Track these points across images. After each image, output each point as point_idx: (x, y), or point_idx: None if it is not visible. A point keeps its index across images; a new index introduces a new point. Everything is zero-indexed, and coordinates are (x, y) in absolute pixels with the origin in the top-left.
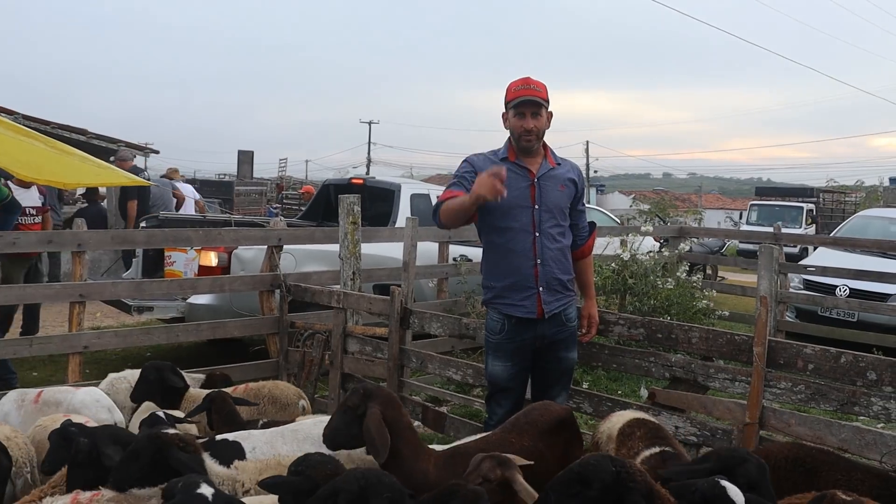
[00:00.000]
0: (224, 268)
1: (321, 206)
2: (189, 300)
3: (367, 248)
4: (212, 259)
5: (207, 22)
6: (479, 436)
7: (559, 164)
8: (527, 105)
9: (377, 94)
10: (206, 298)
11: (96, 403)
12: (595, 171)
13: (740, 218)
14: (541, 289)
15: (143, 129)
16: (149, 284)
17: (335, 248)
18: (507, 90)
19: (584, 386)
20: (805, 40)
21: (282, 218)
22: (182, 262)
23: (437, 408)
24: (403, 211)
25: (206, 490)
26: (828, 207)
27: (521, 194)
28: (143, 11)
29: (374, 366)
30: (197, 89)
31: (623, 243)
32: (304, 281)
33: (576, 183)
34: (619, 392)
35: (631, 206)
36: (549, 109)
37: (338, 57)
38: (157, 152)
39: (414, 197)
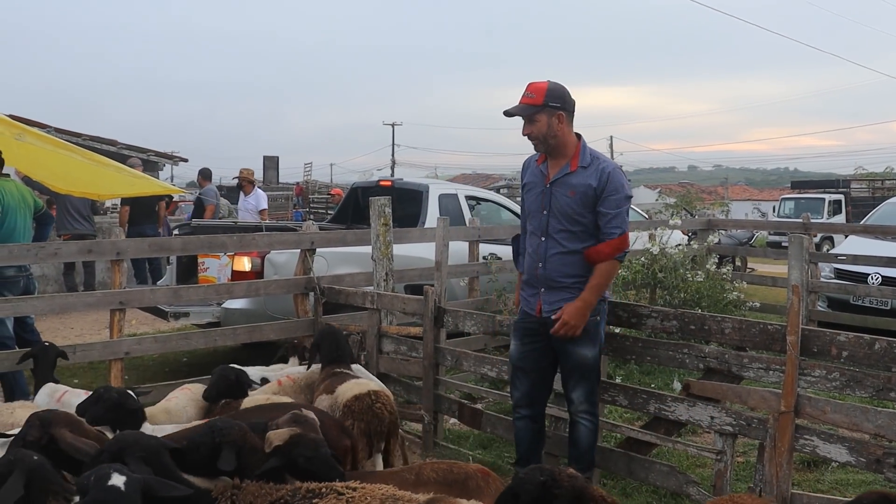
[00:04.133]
0: (258, 272)
1: (350, 208)
2: (224, 305)
3: (397, 250)
4: (245, 264)
5: (234, 31)
6: None
7: (585, 166)
8: (518, 113)
9: (400, 96)
10: (242, 303)
11: None
12: (620, 166)
13: (773, 211)
14: (542, 290)
15: (171, 137)
16: (186, 290)
17: (367, 249)
18: None
19: (616, 380)
20: (828, 27)
21: (313, 221)
22: (215, 267)
23: (472, 405)
24: (432, 211)
25: (117, 480)
26: (862, 196)
27: (536, 199)
28: (171, 23)
29: (410, 365)
30: (223, 98)
31: (651, 237)
32: (336, 283)
33: (594, 187)
34: (653, 385)
35: (657, 199)
36: (552, 109)
37: (360, 60)
38: (185, 160)
39: (442, 197)
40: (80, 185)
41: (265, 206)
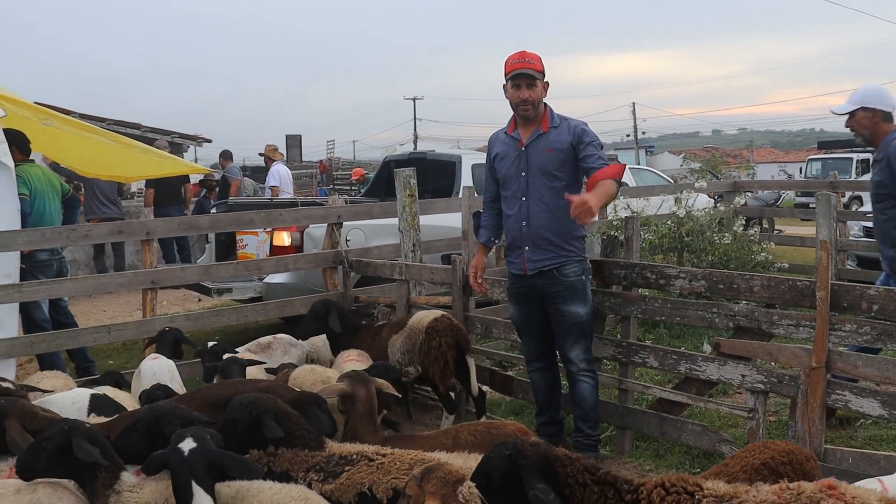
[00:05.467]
0: (297, 247)
1: (383, 182)
2: (266, 280)
3: (433, 220)
4: (284, 239)
5: (252, 13)
6: None
7: (556, 126)
8: (522, 77)
9: (420, 70)
10: (283, 277)
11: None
12: (643, 133)
13: (800, 173)
14: (526, 248)
15: (195, 120)
16: (216, 268)
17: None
18: (505, 64)
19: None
20: None
21: (339, 195)
22: (254, 244)
23: (504, 372)
24: (466, 181)
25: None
26: None
27: (512, 164)
28: (191, 7)
29: None
30: (245, 80)
31: (677, 201)
32: (364, 256)
33: (570, 142)
34: (683, 348)
35: (682, 165)
36: (544, 80)
37: (379, 35)
38: (209, 141)
39: (475, 167)
40: (108, 168)
41: (275, 182)
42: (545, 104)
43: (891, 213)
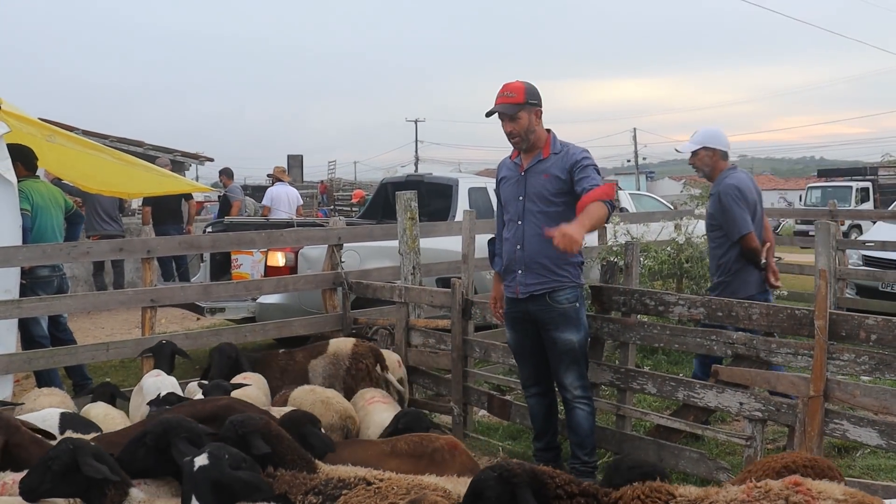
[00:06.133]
0: (291, 267)
1: (380, 204)
2: (259, 300)
3: (428, 244)
4: (279, 259)
5: (256, 34)
6: None
7: (556, 152)
8: (500, 113)
9: (422, 93)
10: (276, 298)
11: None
12: (644, 159)
13: (800, 200)
14: (519, 271)
15: (197, 139)
16: (216, 287)
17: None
18: None
19: (645, 369)
20: (850, 11)
21: (341, 217)
22: (249, 264)
23: (502, 396)
24: (462, 205)
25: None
26: (890, 183)
27: (512, 189)
28: (193, 27)
29: (439, 357)
30: (248, 99)
31: (677, 227)
32: (364, 278)
33: (566, 169)
34: (681, 375)
35: (682, 191)
36: (533, 107)
37: (381, 57)
38: (211, 160)
39: (472, 191)
40: (110, 184)
41: (266, 202)
42: (548, 130)
43: (719, 242)
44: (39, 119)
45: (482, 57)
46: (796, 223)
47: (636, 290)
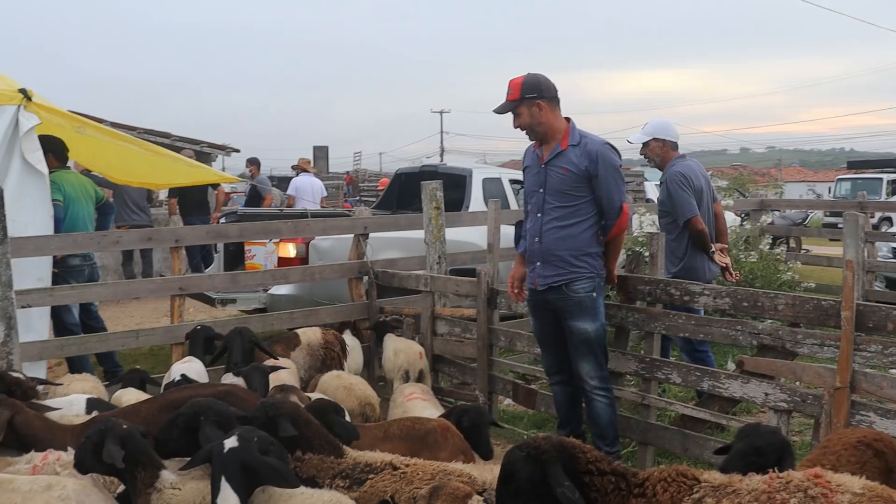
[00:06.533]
0: (302, 258)
1: (395, 194)
2: (270, 291)
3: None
4: (290, 250)
5: (282, 27)
6: None
7: (575, 144)
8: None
9: (448, 84)
10: (287, 289)
11: None
12: (607, 142)
13: (829, 193)
14: (538, 263)
15: (223, 131)
16: (243, 276)
17: (410, 234)
18: None
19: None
20: (885, 2)
21: (366, 207)
22: (262, 255)
23: (527, 385)
24: (476, 195)
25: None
26: None
27: (534, 180)
28: (222, 21)
29: (464, 346)
30: (274, 92)
31: None
32: (390, 267)
33: (585, 167)
34: None
35: None
36: (529, 100)
37: (407, 50)
38: (237, 151)
39: (486, 181)
40: (138, 175)
41: (291, 192)
42: (567, 119)
43: (669, 229)
44: (69, 111)
45: (507, 48)
46: (825, 215)
47: (661, 280)
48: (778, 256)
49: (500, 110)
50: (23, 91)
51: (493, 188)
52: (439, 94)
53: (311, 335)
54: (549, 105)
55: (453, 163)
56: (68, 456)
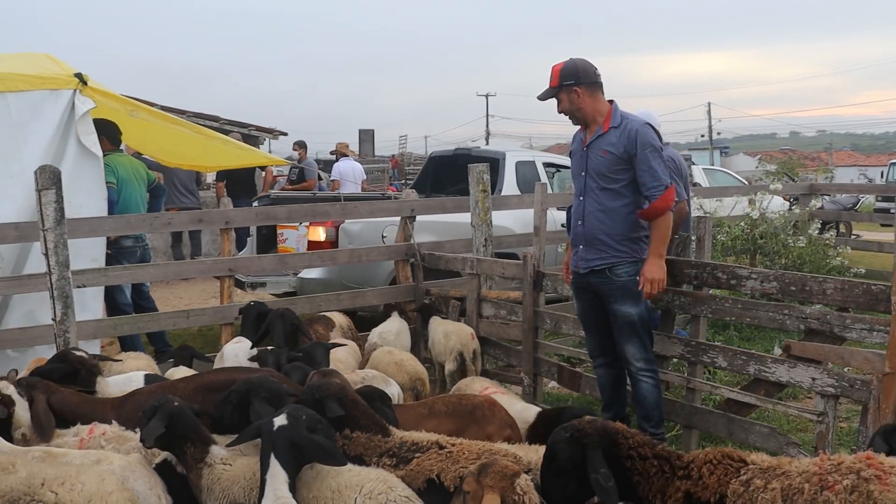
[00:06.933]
0: (332, 242)
1: (428, 178)
2: (300, 275)
3: (463, 219)
4: (320, 234)
5: (328, 11)
6: None
7: (616, 125)
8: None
9: (493, 68)
10: (317, 272)
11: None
12: (718, 133)
13: (882, 177)
14: (581, 247)
15: (270, 115)
16: (292, 257)
17: (439, 217)
18: None
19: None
20: None
21: (413, 190)
22: (294, 238)
23: (572, 368)
24: (509, 179)
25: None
26: None
27: (578, 163)
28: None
29: (509, 328)
30: (320, 76)
31: (751, 202)
32: (437, 250)
33: (624, 147)
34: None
35: (757, 167)
36: (567, 87)
37: (453, 33)
38: (285, 134)
39: (519, 164)
40: (189, 158)
41: (335, 176)
42: (610, 102)
43: None
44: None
45: (554, 31)
46: (877, 200)
47: (708, 264)
48: (827, 241)
49: (542, 97)
50: (78, 75)
51: (526, 172)
52: (485, 77)
53: (340, 318)
54: (587, 90)
55: (487, 146)
56: (112, 430)
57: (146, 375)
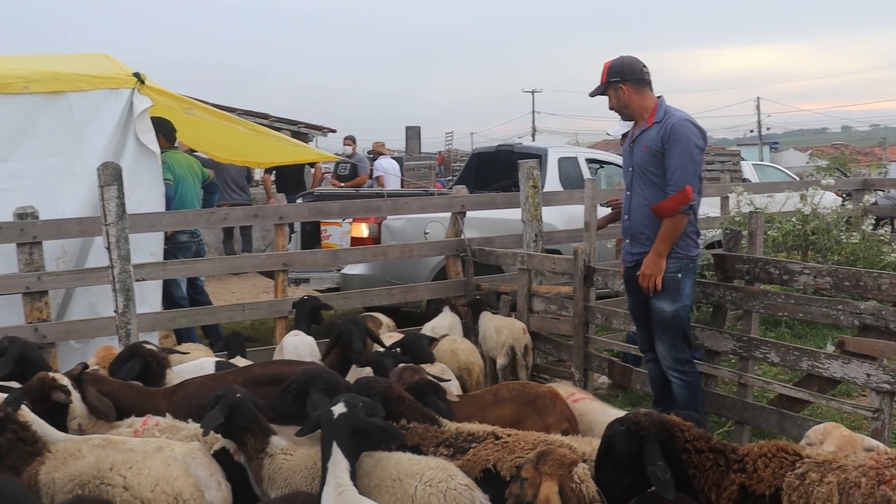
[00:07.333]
0: (375, 238)
1: (471, 174)
2: (343, 271)
3: (498, 215)
4: (363, 230)
5: (374, 10)
6: None
7: (658, 121)
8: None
9: (539, 64)
10: (360, 269)
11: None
12: (768, 129)
13: None
14: (627, 241)
15: (319, 112)
16: (345, 252)
17: (483, 214)
18: None
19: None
20: None
21: (463, 186)
22: (337, 235)
23: (622, 363)
24: (551, 175)
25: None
26: None
27: (626, 159)
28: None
29: (560, 323)
30: (367, 74)
31: (803, 198)
32: (487, 246)
33: (660, 139)
34: None
35: (808, 162)
36: (613, 84)
37: (499, 30)
38: (333, 131)
39: (561, 161)
40: (242, 154)
41: (379, 172)
42: (657, 97)
43: None
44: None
45: (600, 26)
46: None
47: (760, 259)
48: (882, 238)
49: (593, 94)
50: (136, 75)
51: (568, 168)
52: (531, 74)
53: (381, 317)
54: (633, 87)
55: (530, 143)
56: (165, 420)
57: (217, 362)
